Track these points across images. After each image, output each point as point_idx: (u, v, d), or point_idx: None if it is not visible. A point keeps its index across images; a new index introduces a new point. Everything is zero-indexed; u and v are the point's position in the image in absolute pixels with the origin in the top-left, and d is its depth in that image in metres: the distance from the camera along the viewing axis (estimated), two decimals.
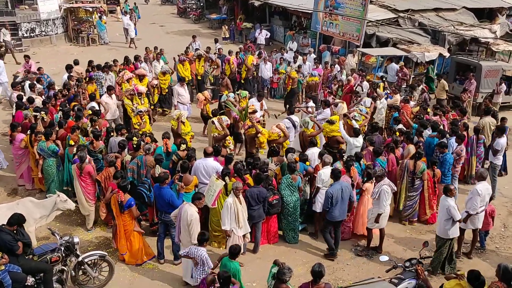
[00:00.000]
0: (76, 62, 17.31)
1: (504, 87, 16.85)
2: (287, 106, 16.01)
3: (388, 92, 15.25)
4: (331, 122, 11.97)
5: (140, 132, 11.62)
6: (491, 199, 9.59)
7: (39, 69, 16.10)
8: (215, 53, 19.06)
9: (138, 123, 12.28)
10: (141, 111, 12.47)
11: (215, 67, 17.43)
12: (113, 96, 13.65)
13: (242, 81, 18.13)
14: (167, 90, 16.07)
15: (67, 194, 9.91)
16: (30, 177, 11.56)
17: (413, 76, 19.41)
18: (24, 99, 13.01)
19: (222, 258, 7.52)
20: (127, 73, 14.61)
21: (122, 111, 14.05)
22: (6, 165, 12.04)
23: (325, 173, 9.52)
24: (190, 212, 7.86)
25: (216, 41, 21.87)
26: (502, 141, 11.60)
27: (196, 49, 19.32)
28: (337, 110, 13.78)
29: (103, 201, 9.44)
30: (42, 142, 10.48)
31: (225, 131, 11.59)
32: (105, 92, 14.05)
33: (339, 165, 10.29)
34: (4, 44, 22.58)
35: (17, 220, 7.35)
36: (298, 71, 17.74)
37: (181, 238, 8.11)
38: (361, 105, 13.85)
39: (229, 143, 11.71)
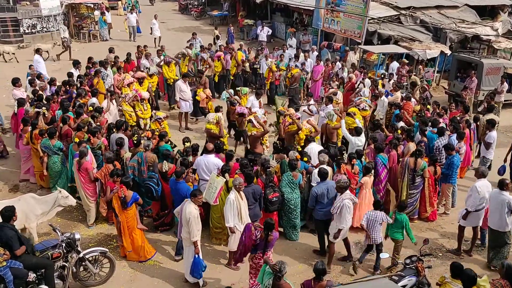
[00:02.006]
0: (111, 50, 17.79)
1: (506, 86, 16.77)
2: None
3: (389, 89, 15.29)
4: (351, 115, 12.33)
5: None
6: None
7: (30, 66, 15.88)
8: (207, 49, 18.96)
9: (158, 130, 11.80)
10: (160, 118, 12.09)
11: (207, 66, 17.25)
12: (114, 101, 13.44)
13: (231, 77, 18.10)
14: (153, 94, 15.62)
15: (71, 191, 9.97)
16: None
17: (414, 73, 19.40)
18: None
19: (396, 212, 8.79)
20: (128, 77, 14.34)
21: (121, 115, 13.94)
22: None
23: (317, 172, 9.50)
24: (188, 209, 7.86)
25: (217, 38, 21.86)
26: (494, 134, 11.72)
27: (201, 46, 19.25)
28: (337, 98, 14.22)
29: (104, 200, 9.45)
30: (46, 140, 10.49)
31: (264, 128, 11.55)
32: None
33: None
34: (64, 41, 22.57)
35: (8, 214, 7.28)
36: (302, 69, 18.03)
37: (182, 235, 8.12)
38: (360, 95, 14.32)
39: (266, 140, 11.73)
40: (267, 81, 17.68)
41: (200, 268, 8.04)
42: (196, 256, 7.98)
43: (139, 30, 26.98)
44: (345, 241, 9.18)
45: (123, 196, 8.54)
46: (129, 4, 33.73)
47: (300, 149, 11.09)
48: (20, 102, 12.51)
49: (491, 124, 11.82)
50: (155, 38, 25.65)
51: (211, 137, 11.68)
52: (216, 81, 17.73)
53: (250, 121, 11.67)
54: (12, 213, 7.32)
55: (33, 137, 10.90)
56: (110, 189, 8.95)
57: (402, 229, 8.73)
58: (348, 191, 8.65)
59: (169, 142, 11.06)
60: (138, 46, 18.90)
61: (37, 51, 17.71)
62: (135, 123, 12.96)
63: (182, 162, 9.46)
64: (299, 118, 11.86)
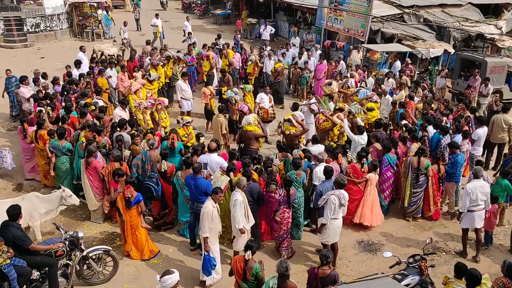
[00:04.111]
0: (149, 42, 18.03)
1: (490, 88, 16.17)
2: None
3: (392, 88, 15.32)
4: (370, 109, 12.85)
5: (189, 144, 11.24)
6: (496, 199, 9.58)
7: (6, 71, 15.11)
8: (212, 48, 18.93)
9: (186, 135, 11.66)
10: (188, 122, 11.90)
11: (184, 65, 16.98)
12: (127, 109, 13.07)
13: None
14: (156, 95, 15.05)
15: (75, 189, 10.01)
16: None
17: (418, 72, 19.40)
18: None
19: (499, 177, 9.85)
20: (134, 84, 13.99)
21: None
22: (12, 167, 11.76)
23: (320, 170, 9.48)
24: (205, 204, 8.00)
25: (219, 37, 21.81)
26: (480, 131, 11.79)
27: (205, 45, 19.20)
28: (332, 88, 14.78)
29: (108, 199, 9.43)
30: (55, 141, 10.51)
31: (304, 127, 11.66)
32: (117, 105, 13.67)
33: (344, 160, 10.35)
34: (125, 41, 22.48)
35: (15, 212, 7.35)
36: (305, 67, 18.19)
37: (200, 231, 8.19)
38: (348, 86, 15.14)
39: (303, 138, 11.89)
40: (251, 76, 17.73)
41: (210, 266, 8.04)
42: (206, 253, 8.00)
43: (163, 35, 26.11)
44: (332, 247, 8.83)
45: (129, 196, 8.57)
46: (133, 1, 33.70)
47: (335, 145, 11.48)
48: (35, 99, 12.56)
49: (480, 121, 11.95)
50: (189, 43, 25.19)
51: (251, 139, 11.54)
52: (205, 80, 17.64)
53: (289, 120, 11.67)
54: (19, 212, 7.38)
55: (37, 136, 10.92)
56: (114, 189, 8.96)
57: (504, 192, 9.77)
58: (339, 190, 8.49)
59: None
60: (153, 49, 18.74)
61: (81, 48, 17.66)
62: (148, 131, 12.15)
63: (185, 161, 9.47)
64: (332, 115, 12.03)
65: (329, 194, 8.43)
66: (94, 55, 19.72)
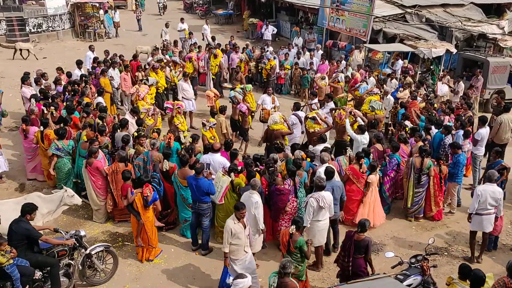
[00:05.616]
0: (176, 43, 18.75)
1: (462, 85, 16.12)
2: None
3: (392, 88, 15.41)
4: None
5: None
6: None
7: None
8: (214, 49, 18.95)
9: (212, 137, 11.59)
10: (215, 124, 11.84)
11: (180, 69, 16.72)
12: (135, 117, 12.54)
13: (213, 76, 17.96)
14: (153, 101, 14.68)
15: (76, 188, 9.99)
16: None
17: (420, 72, 19.38)
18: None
19: None
20: (142, 90, 13.71)
21: None
22: (3, 170, 11.58)
23: (323, 171, 9.44)
24: (226, 220, 7.87)
25: (213, 39, 21.81)
26: (483, 131, 11.73)
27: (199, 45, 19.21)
28: (325, 82, 15.86)
29: (125, 202, 9.33)
30: (59, 141, 10.52)
31: (328, 124, 11.74)
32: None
33: (343, 160, 10.34)
34: (166, 43, 22.51)
35: (26, 210, 7.42)
36: (310, 68, 18.31)
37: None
38: (338, 80, 15.71)
39: None
40: (244, 74, 17.68)
41: (223, 280, 7.81)
42: (225, 267, 7.87)
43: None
44: (316, 250, 8.93)
45: (148, 194, 8.57)
46: (136, 1, 33.77)
47: (348, 139, 11.82)
48: (36, 99, 12.61)
49: (482, 121, 11.91)
50: (206, 44, 25.13)
51: (278, 137, 11.53)
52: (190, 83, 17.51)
53: (313, 118, 11.68)
54: (30, 210, 7.45)
55: (43, 137, 10.92)
56: (130, 190, 8.73)
57: None
58: (323, 192, 8.43)
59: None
60: (155, 49, 18.72)
61: (90, 47, 17.70)
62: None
63: (181, 159, 9.52)
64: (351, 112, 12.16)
65: (308, 197, 8.44)
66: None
